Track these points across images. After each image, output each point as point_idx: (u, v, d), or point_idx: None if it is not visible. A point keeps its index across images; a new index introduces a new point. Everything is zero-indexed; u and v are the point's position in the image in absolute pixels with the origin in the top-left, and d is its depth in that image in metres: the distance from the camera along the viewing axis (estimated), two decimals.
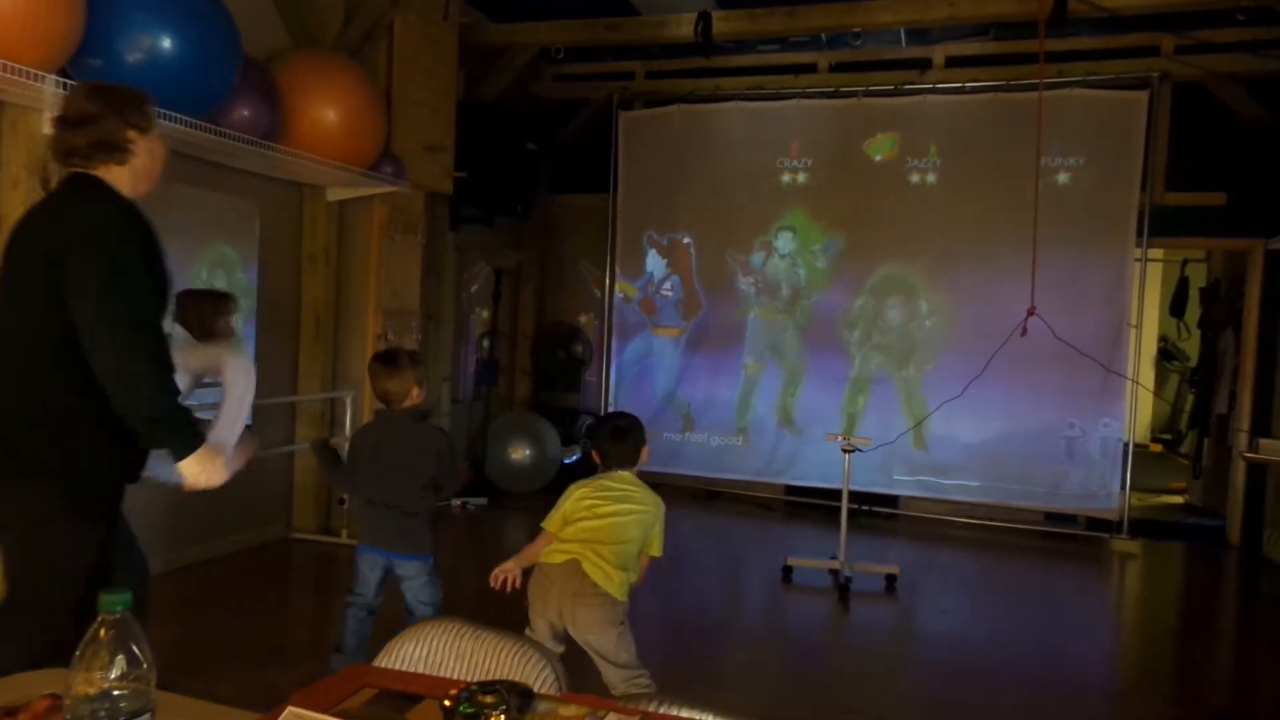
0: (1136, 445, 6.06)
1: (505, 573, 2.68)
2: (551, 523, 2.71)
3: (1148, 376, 6.01)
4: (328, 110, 4.37)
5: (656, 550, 2.72)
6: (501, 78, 6.63)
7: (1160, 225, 6.00)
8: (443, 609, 2.92)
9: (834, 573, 4.74)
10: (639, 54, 6.93)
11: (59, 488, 2.00)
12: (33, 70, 2.99)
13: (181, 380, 2.51)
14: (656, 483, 7.43)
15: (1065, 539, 6.07)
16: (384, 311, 5.18)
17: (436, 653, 1.53)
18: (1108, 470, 5.99)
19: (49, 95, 3.08)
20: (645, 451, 2.79)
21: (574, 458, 6.94)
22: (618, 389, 7.21)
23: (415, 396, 2.97)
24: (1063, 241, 5.91)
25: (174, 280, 2.20)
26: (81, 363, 1.95)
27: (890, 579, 4.75)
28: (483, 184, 5.98)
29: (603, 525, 2.62)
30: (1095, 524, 6.05)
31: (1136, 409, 6.13)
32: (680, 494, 6.72)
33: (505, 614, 2.93)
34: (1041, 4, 4.85)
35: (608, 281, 7.25)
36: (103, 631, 0.93)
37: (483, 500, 6.25)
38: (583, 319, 7.73)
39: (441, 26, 5.40)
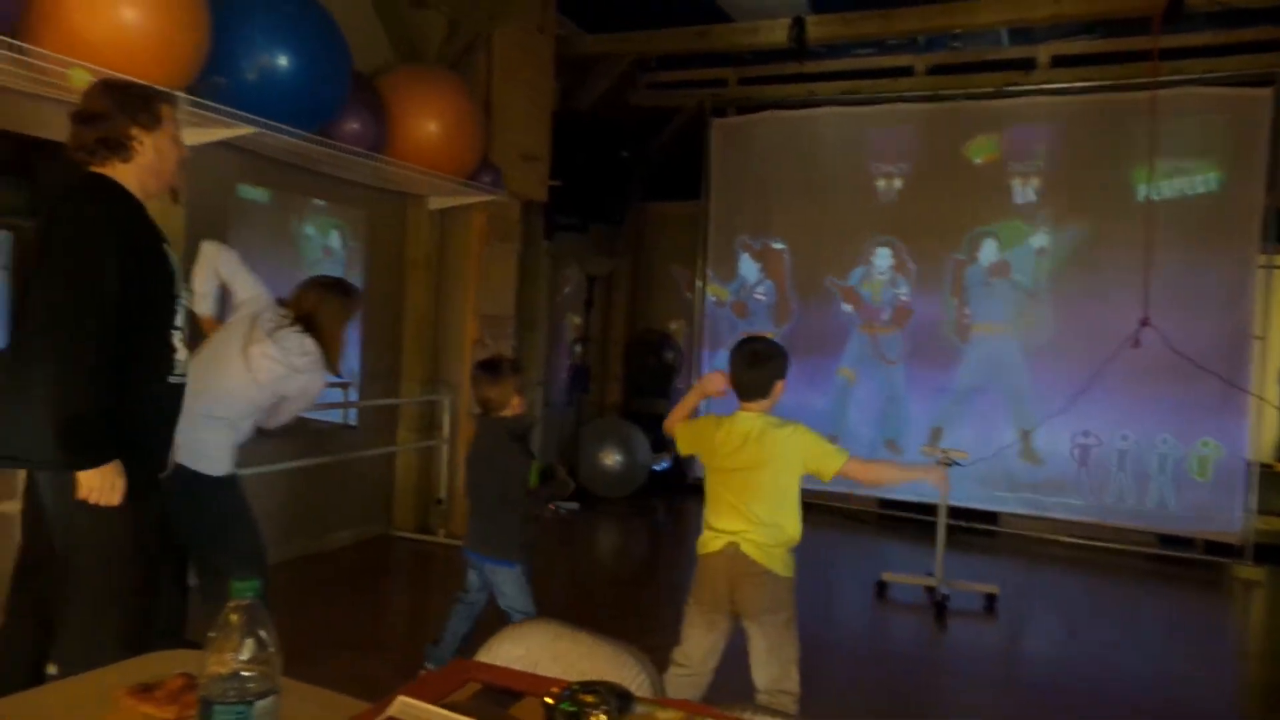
0: (1262, 465, 5.69)
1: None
2: (684, 433, 2.64)
3: (1274, 391, 5.64)
4: (430, 122, 4.51)
5: (835, 464, 2.44)
6: (596, 87, 6.72)
7: None
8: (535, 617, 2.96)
9: (930, 590, 4.61)
10: (731, 60, 6.92)
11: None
12: (162, 88, 3.18)
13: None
14: None
15: (1181, 563, 5.74)
16: (481, 317, 5.31)
17: (534, 652, 1.56)
18: (1229, 491, 5.65)
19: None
20: (780, 386, 2.54)
21: (664, 464, 6.96)
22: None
23: (515, 406, 2.99)
24: (1179, 247, 5.63)
25: (177, 279, 2.17)
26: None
27: (990, 598, 4.59)
28: (577, 192, 6.07)
29: (740, 480, 2.47)
30: (1215, 548, 5.70)
31: (1261, 426, 5.77)
32: None
33: (595, 618, 2.96)
34: (1155, 0, 4.64)
35: (698, 288, 7.26)
36: (234, 616, 0.98)
37: (574, 505, 6.32)
38: (673, 325, 7.75)
39: (538, 39, 5.52)
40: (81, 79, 2.80)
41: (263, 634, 0.99)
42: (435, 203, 5.14)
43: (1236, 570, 5.54)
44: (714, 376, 2.68)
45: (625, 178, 6.75)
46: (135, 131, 2.08)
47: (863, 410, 6.65)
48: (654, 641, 2.64)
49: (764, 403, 2.53)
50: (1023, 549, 6.00)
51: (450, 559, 4.95)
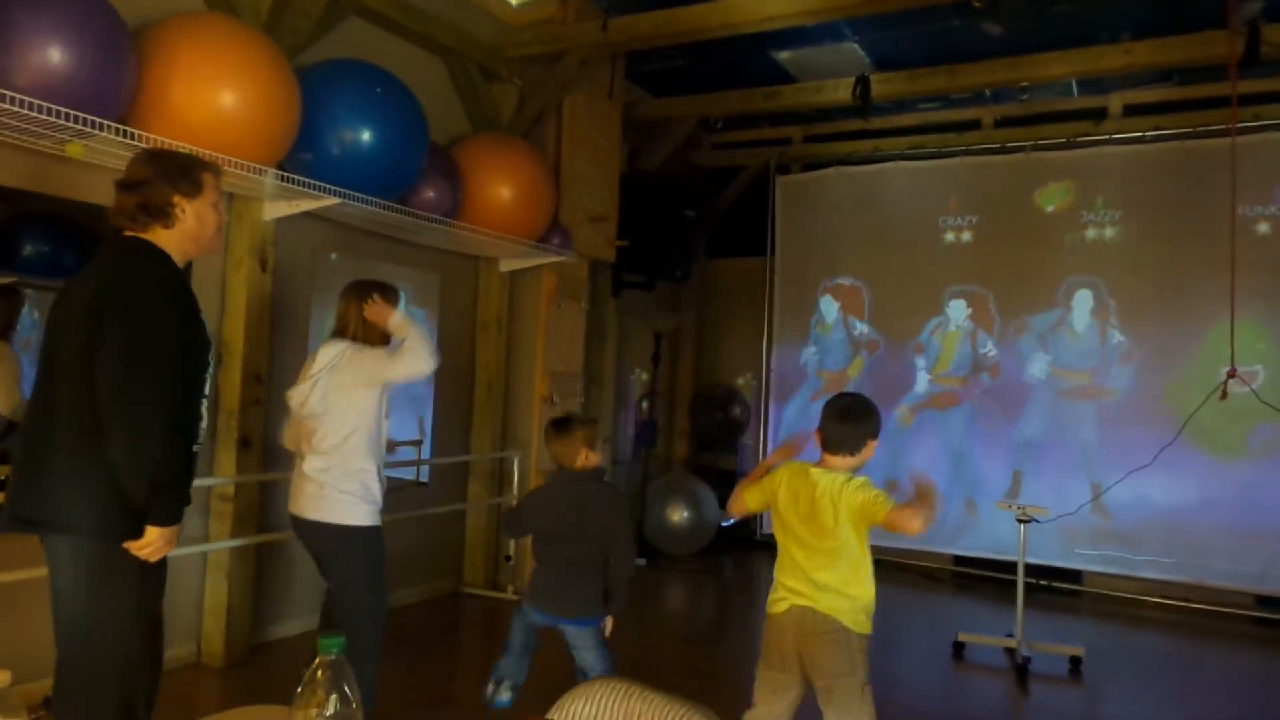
0: None
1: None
2: (754, 499, 2.57)
3: None
4: (502, 188, 4.68)
5: (880, 511, 2.32)
6: (662, 149, 6.87)
7: None
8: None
9: (1010, 651, 4.44)
10: (797, 118, 7.02)
11: (93, 541, 2.03)
12: (256, 165, 3.39)
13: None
14: None
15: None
16: (550, 375, 5.41)
17: (605, 711, 1.57)
18: None
19: (269, 187, 3.48)
20: (872, 446, 2.46)
21: (731, 520, 6.90)
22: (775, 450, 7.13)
23: (585, 458, 2.96)
24: (1266, 296, 5.43)
25: (210, 347, 2.23)
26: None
27: (1075, 661, 4.40)
28: (643, 251, 6.18)
29: (813, 541, 2.40)
30: None
31: None
32: None
33: (662, 677, 2.94)
34: (1231, 46, 4.56)
35: (765, 344, 7.26)
36: (320, 672, 1.04)
37: (641, 561, 6.31)
38: (740, 381, 7.75)
39: (607, 104, 5.70)
40: (77, 151, 3.00)
41: (347, 690, 1.04)
42: (506, 264, 5.30)
43: None
44: (795, 440, 2.65)
45: (690, 236, 6.85)
46: (177, 199, 2.12)
47: (929, 462, 6.51)
48: (723, 703, 2.61)
49: (851, 460, 2.46)
50: (1109, 610, 5.74)
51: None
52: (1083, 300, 6.15)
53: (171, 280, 2.11)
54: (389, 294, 2.94)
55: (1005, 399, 6.32)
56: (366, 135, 3.70)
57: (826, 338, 7.04)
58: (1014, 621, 4.42)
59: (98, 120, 2.89)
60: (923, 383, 6.63)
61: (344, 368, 2.80)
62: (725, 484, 7.27)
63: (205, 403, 2.23)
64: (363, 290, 2.91)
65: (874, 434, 2.47)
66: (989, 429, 6.35)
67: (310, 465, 2.81)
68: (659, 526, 6.66)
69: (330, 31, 4.22)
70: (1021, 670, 4.24)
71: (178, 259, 2.15)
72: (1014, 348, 6.33)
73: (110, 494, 2.00)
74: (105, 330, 1.98)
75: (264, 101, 3.29)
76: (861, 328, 6.91)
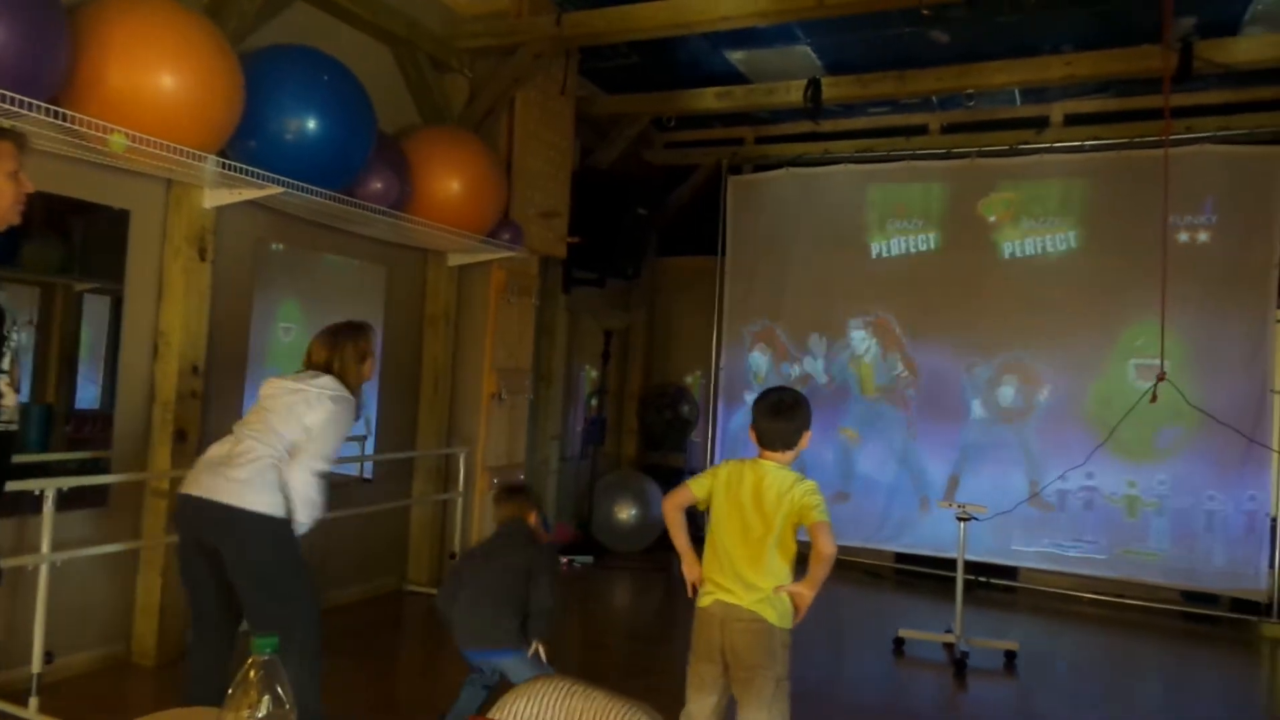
0: None
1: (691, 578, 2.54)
2: (699, 485, 2.56)
3: None
4: (452, 181, 4.63)
5: (810, 517, 2.38)
6: (614, 146, 6.86)
7: None
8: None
9: (949, 647, 4.54)
10: (749, 119, 7.07)
11: None
12: (195, 151, 3.30)
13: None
14: None
15: (1207, 620, 5.64)
16: (498, 371, 5.37)
17: (547, 709, 1.56)
18: (1254, 547, 5.56)
19: (209, 174, 3.39)
20: (807, 438, 2.50)
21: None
22: (724, 446, 7.19)
23: (531, 520, 3.11)
24: (1195, 303, 5.63)
25: (6, 317, 2.01)
26: None
27: (1010, 655, 4.52)
28: (595, 248, 6.16)
29: (744, 532, 2.43)
30: (1241, 605, 5.60)
31: None
32: None
33: (607, 675, 2.94)
34: (1166, 61, 4.71)
35: (715, 343, 7.30)
36: (252, 672, 1.01)
37: (589, 558, 6.30)
38: (689, 380, 7.78)
39: (559, 100, 5.67)
40: (120, 144, 2.91)
41: (280, 690, 1.01)
42: (455, 259, 5.24)
43: (1264, 629, 5.43)
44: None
45: (642, 233, 6.85)
46: None
47: (871, 461, 6.63)
48: (666, 701, 2.62)
49: (788, 454, 2.49)
50: (1043, 605, 5.90)
51: None
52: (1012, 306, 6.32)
53: None
54: (365, 339, 2.91)
55: (942, 399, 6.44)
56: (312, 123, 3.62)
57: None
58: (953, 617, 4.52)
59: (27, 100, 2.78)
60: (854, 394, 6.76)
61: (340, 413, 2.73)
62: (673, 482, 7.30)
63: (6, 378, 2.01)
64: (345, 337, 2.86)
65: (807, 425, 2.50)
66: (932, 426, 6.47)
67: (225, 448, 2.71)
68: (606, 523, 6.66)
69: (276, 16, 4.12)
70: (960, 665, 4.33)
71: None
72: (954, 347, 6.45)
73: None
74: None
75: (205, 86, 3.20)
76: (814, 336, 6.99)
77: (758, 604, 2.42)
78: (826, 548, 2.34)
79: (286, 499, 2.66)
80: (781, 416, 2.49)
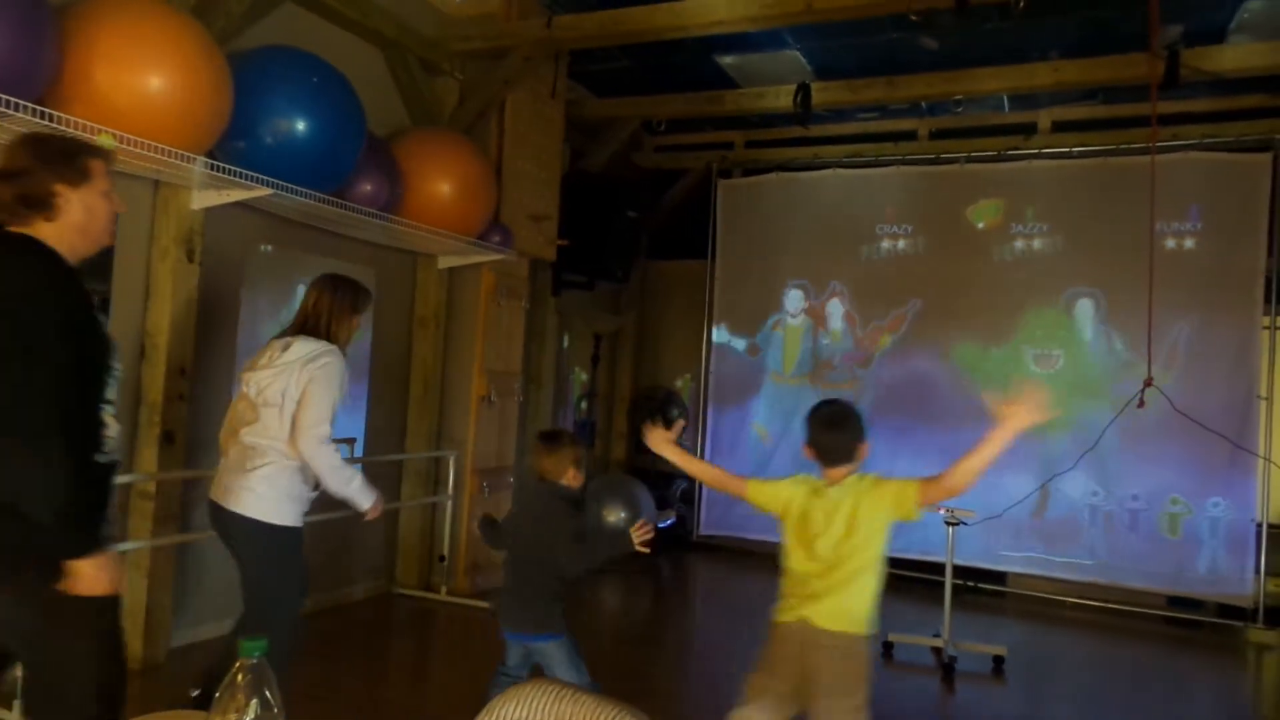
0: (1271, 526, 5.64)
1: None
2: (765, 495, 2.45)
3: None
4: (442, 183, 4.62)
5: (911, 495, 2.29)
6: (605, 149, 6.87)
7: None
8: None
9: (937, 651, 4.55)
10: (738, 124, 7.09)
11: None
12: (183, 152, 3.29)
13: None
14: (745, 550, 7.31)
15: (1193, 625, 5.66)
16: (488, 373, 5.36)
17: (536, 713, 1.56)
18: (1239, 553, 5.59)
19: (198, 176, 3.38)
20: (865, 449, 2.40)
21: (669, 521, 6.93)
22: (714, 451, 7.19)
23: (571, 478, 2.93)
24: (1183, 309, 5.67)
25: (112, 350, 1.96)
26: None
27: (998, 660, 4.53)
28: (584, 251, 6.16)
29: (830, 554, 2.31)
30: (1227, 610, 5.63)
31: (1270, 487, 5.74)
32: (770, 562, 6.60)
33: (597, 677, 2.94)
34: (1152, 68, 4.75)
35: (705, 346, 7.31)
36: (240, 676, 1.00)
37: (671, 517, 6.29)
38: (679, 383, 7.79)
39: (549, 103, 5.67)
40: (107, 144, 2.89)
41: (268, 694, 1.01)
42: (444, 261, 5.23)
43: (1249, 634, 5.46)
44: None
45: (632, 237, 6.86)
46: (60, 188, 1.89)
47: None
48: (656, 705, 2.62)
49: (850, 466, 2.39)
50: (1031, 610, 5.92)
51: (452, 616, 4.92)
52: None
53: (58, 280, 1.86)
54: (362, 298, 2.91)
55: (929, 402, 6.46)
56: (301, 125, 3.61)
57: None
58: (941, 622, 4.53)
59: (14, 100, 2.76)
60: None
61: (319, 373, 2.73)
62: (662, 485, 7.32)
63: (112, 409, 1.97)
64: (339, 287, 2.87)
65: (864, 435, 2.42)
66: (921, 430, 6.49)
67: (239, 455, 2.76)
68: (595, 527, 6.64)
69: (265, 17, 4.11)
70: (948, 669, 4.34)
71: (66, 255, 1.90)
72: (941, 351, 6.48)
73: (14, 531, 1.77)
74: None
75: (192, 87, 3.18)
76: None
77: (843, 623, 2.32)
78: (947, 484, 2.25)
79: (298, 496, 2.74)
80: (838, 428, 2.41)
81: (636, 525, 2.83)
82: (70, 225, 1.91)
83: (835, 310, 6.81)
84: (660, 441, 2.59)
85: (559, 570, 2.81)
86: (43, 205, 1.88)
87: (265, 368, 2.78)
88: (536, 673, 2.89)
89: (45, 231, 1.89)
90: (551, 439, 2.99)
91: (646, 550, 2.76)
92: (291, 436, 2.71)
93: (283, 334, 2.87)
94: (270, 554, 2.75)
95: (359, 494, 2.85)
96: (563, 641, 2.82)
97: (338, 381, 2.77)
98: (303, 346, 2.76)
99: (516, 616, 2.86)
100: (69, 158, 1.93)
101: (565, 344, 7.07)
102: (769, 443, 6.88)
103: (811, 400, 6.44)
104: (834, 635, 2.31)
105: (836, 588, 2.33)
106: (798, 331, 6.93)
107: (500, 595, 2.93)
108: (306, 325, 2.83)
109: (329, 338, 2.81)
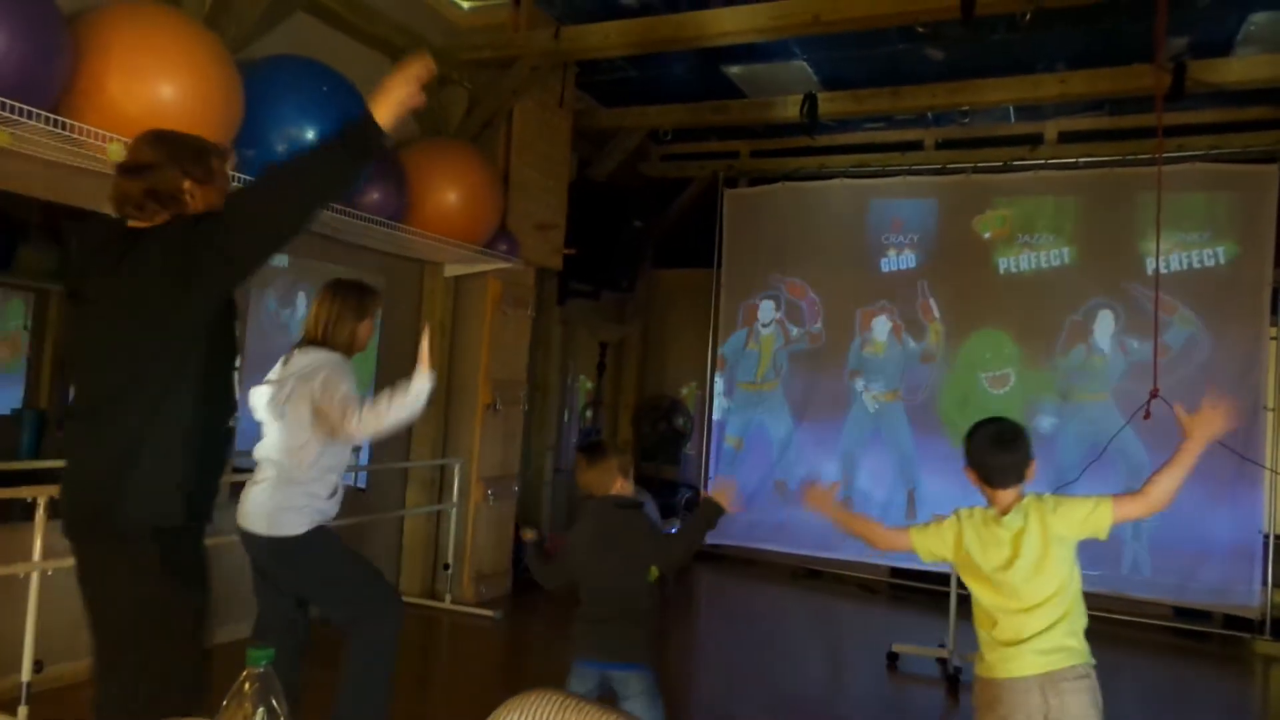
0: (1277, 537, 5.61)
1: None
2: (928, 546, 2.27)
3: None
4: (449, 193, 4.64)
5: (1105, 514, 2.14)
6: (611, 158, 6.89)
7: None
8: None
9: (942, 662, 4.54)
10: (744, 133, 7.10)
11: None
12: (214, 141, 3.30)
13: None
14: (754, 560, 7.28)
15: (1199, 637, 5.64)
16: (494, 381, 5.37)
17: None
18: (1246, 564, 5.57)
19: None
20: (1034, 467, 2.21)
21: (674, 529, 6.91)
22: (718, 461, 7.19)
23: (620, 488, 2.72)
24: (1189, 320, 5.66)
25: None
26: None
27: None
28: (590, 260, 6.18)
29: (1025, 583, 2.13)
30: (1233, 622, 5.60)
31: (1277, 499, 5.71)
32: (780, 572, 6.60)
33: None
34: (1158, 80, 4.75)
35: (710, 355, 7.31)
36: (247, 684, 1.01)
37: None
38: (684, 391, 7.79)
39: (556, 113, 5.69)
40: (119, 153, 2.92)
41: (274, 703, 1.01)
42: (451, 270, 5.25)
43: (1256, 646, 5.43)
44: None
45: (638, 246, 6.87)
46: (188, 185, 1.93)
47: (871, 476, 6.64)
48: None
49: (1020, 487, 2.21)
50: None
51: (456, 624, 4.92)
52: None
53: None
54: (368, 300, 2.88)
55: (933, 414, 6.46)
56: (310, 134, 3.63)
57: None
58: (946, 632, 4.51)
59: (27, 108, 2.78)
60: (855, 406, 6.77)
61: (319, 384, 2.67)
62: (667, 494, 7.31)
63: (237, 375, 2.07)
64: (339, 292, 2.83)
65: (1032, 453, 2.24)
66: (929, 442, 6.48)
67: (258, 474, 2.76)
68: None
69: (276, 27, 4.14)
70: (953, 680, 4.32)
71: None
72: (950, 363, 6.48)
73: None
74: (200, 260, 1.83)
75: (204, 95, 3.21)
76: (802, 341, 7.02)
77: (1070, 657, 2.14)
78: (1149, 502, 2.13)
79: (302, 508, 2.71)
80: (1007, 447, 2.21)
81: (718, 489, 2.67)
82: None
83: (881, 325, 6.77)
84: (820, 501, 2.42)
85: (644, 590, 2.62)
86: (172, 201, 1.91)
87: (271, 382, 2.78)
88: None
89: None
90: (593, 451, 2.78)
91: (739, 508, 2.57)
92: (333, 434, 2.67)
93: (297, 345, 2.86)
94: (298, 564, 2.74)
95: (418, 398, 2.71)
96: (645, 674, 2.60)
97: (346, 376, 2.72)
98: (300, 360, 2.74)
99: (598, 645, 2.62)
100: (198, 155, 1.97)
101: (571, 352, 7.09)
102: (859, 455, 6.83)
103: (897, 413, 6.60)
104: (1079, 668, 2.14)
105: (1053, 632, 2.14)
106: (770, 340, 6.97)
107: (577, 623, 2.67)
108: (310, 335, 2.82)
109: (331, 345, 2.78)
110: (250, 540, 2.73)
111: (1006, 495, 2.20)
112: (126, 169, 1.95)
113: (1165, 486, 2.16)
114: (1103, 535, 2.17)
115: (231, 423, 2.12)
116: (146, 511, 1.89)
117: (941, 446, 6.28)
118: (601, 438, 3.00)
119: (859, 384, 6.75)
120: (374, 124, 1.93)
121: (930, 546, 2.27)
